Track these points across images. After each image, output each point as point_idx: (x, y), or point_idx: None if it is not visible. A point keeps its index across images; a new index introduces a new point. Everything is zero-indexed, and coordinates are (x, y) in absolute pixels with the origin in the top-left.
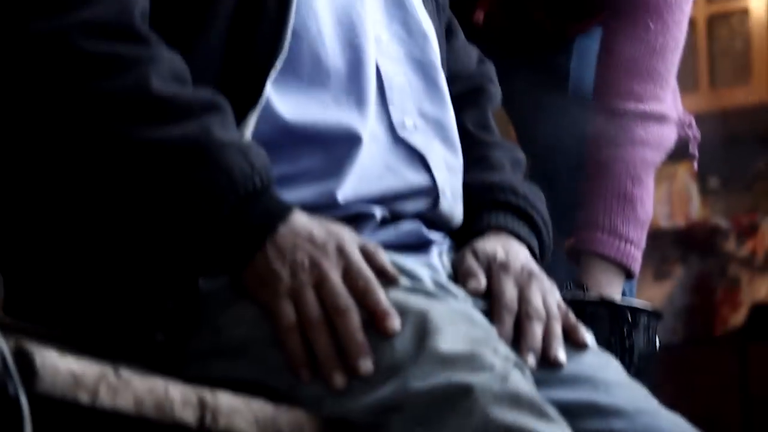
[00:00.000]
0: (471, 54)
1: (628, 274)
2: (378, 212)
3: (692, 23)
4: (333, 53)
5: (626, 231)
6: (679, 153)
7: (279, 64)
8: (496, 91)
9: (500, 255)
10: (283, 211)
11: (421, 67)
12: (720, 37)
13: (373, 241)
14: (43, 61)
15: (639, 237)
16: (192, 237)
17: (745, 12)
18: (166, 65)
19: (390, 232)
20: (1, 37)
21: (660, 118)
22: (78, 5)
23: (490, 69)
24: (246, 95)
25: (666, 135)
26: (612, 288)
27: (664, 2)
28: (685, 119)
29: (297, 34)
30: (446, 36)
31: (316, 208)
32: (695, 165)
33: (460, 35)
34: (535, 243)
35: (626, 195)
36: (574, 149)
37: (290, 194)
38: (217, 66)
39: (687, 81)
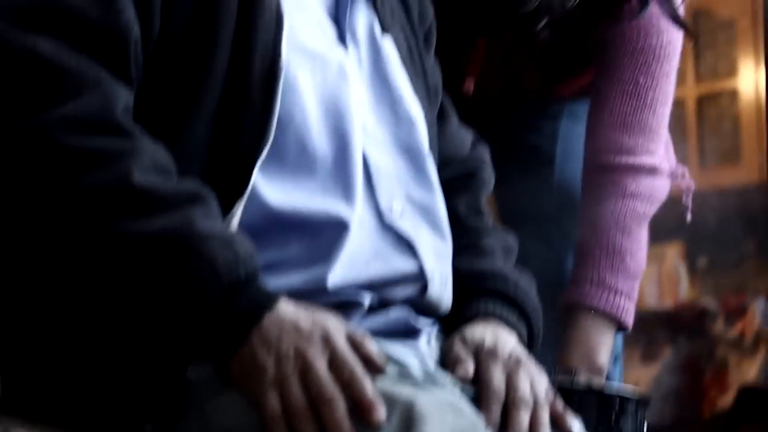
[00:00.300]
0: (465, 138)
1: (620, 327)
2: (366, 299)
3: (681, 103)
4: (319, 141)
5: (616, 283)
6: (668, 233)
7: (265, 153)
8: (489, 175)
9: (489, 342)
10: (268, 301)
11: (408, 152)
12: (709, 118)
13: (361, 328)
14: (25, 157)
15: (630, 288)
16: (178, 329)
17: (734, 93)
18: (148, 157)
19: (379, 320)
20: None
21: (651, 171)
22: (60, 101)
23: (485, 153)
24: (233, 185)
25: (658, 187)
26: (604, 342)
27: (653, 56)
28: (678, 170)
29: (282, 122)
30: (439, 119)
31: (304, 294)
32: (688, 216)
33: (454, 119)
34: (524, 330)
35: (615, 247)
36: (554, 232)
37: (278, 281)
38: (203, 156)
39: (677, 161)
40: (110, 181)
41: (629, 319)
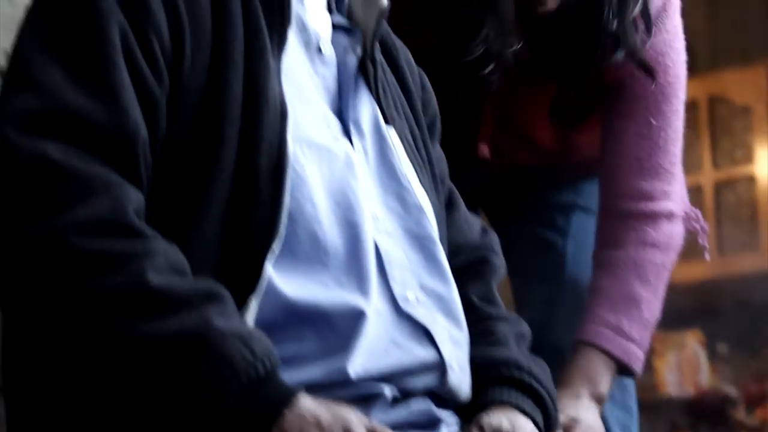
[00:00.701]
0: (473, 225)
1: (622, 371)
2: (388, 391)
3: (699, 190)
4: (330, 233)
5: (631, 331)
6: (687, 320)
7: (277, 247)
8: (500, 262)
9: (506, 427)
10: (288, 397)
11: (419, 241)
12: (727, 204)
13: (383, 421)
14: (37, 263)
15: (643, 337)
16: (198, 428)
17: (751, 179)
18: (162, 258)
19: (400, 412)
20: None
21: (669, 216)
22: (71, 205)
23: (494, 240)
24: (246, 280)
25: (675, 233)
26: (608, 380)
27: (662, 95)
28: (692, 213)
29: (292, 216)
30: (447, 208)
31: (324, 387)
32: (707, 255)
33: (462, 207)
34: (539, 417)
35: (634, 296)
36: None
37: (297, 374)
38: (215, 253)
39: (695, 248)
40: (125, 282)
41: (639, 367)
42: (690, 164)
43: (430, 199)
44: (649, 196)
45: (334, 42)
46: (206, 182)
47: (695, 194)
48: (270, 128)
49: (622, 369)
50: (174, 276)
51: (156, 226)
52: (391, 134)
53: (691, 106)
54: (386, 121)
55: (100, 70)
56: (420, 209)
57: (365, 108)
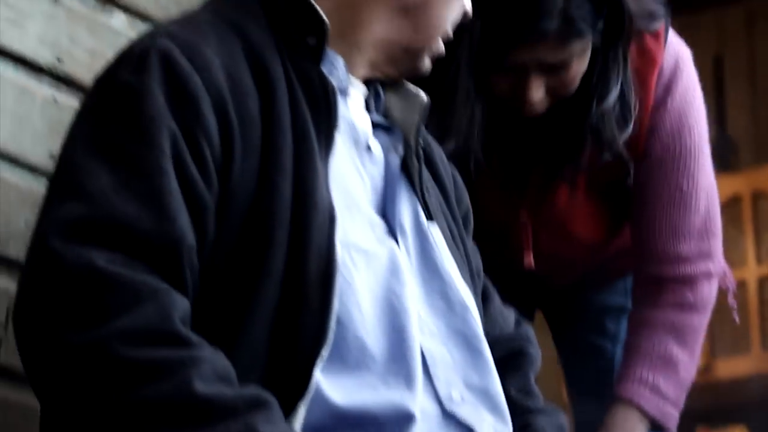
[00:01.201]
0: (508, 317)
1: (656, 429)
2: None
3: (743, 285)
4: (378, 337)
5: (667, 391)
6: (731, 416)
7: (325, 353)
8: (536, 353)
9: None
10: None
11: (464, 338)
12: None
13: None
14: (83, 374)
15: (679, 397)
16: None
17: None
18: (208, 365)
19: None
20: (38, 350)
21: (708, 276)
22: (116, 314)
23: (529, 331)
24: (294, 386)
25: (713, 293)
26: None
27: (690, 157)
28: (726, 270)
29: (340, 321)
30: (483, 301)
31: None
32: (736, 318)
33: (496, 299)
34: None
35: (672, 357)
36: None
37: None
38: (262, 359)
39: (740, 342)
40: (171, 391)
41: (674, 426)
42: (734, 259)
43: (471, 293)
44: (687, 259)
45: (376, 141)
46: (255, 287)
47: (740, 289)
48: (319, 233)
49: (656, 427)
50: (220, 384)
51: (203, 330)
52: (433, 231)
53: (734, 202)
54: (429, 218)
55: (147, 176)
56: (464, 306)
57: (406, 206)
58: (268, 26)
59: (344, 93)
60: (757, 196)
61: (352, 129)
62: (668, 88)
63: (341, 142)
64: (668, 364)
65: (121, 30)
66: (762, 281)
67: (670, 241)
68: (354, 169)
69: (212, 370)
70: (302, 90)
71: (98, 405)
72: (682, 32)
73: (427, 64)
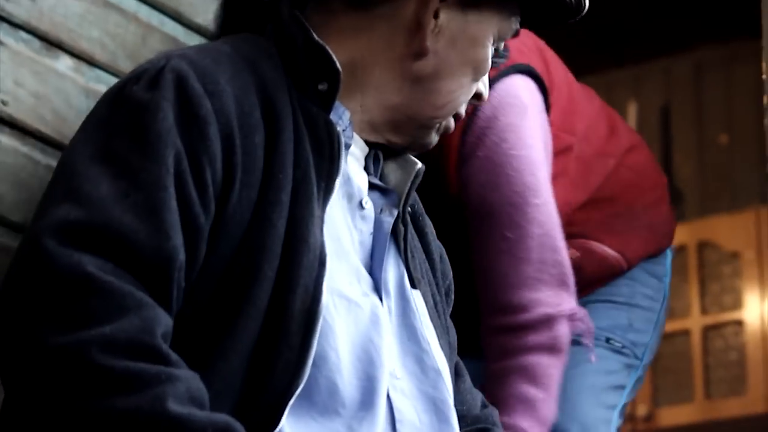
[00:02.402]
0: (476, 397)
1: None
2: None
3: (687, 334)
4: (349, 383)
5: (530, 428)
6: None
7: (298, 391)
8: None
9: None
10: None
11: (433, 403)
12: (714, 348)
13: None
14: (59, 374)
15: None
16: None
17: (739, 323)
18: (184, 385)
19: None
20: (14, 344)
21: (547, 321)
22: (100, 320)
23: (495, 413)
24: (265, 420)
25: (560, 334)
26: None
27: (512, 207)
28: (576, 312)
29: (316, 362)
30: (455, 377)
31: None
32: (593, 358)
33: (467, 379)
34: None
35: (528, 397)
36: None
37: None
38: (237, 388)
39: (682, 392)
40: (143, 405)
41: None
42: (679, 309)
43: (447, 364)
44: (521, 308)
45: (372, 200)
46: (237, 316)
47: (683, 339)
48: (308, 273)
49: None
50: (193, 406)
51: (181, 351)
52: (415, 297)
53: (680, 251)
54: (412, 284)
55: (148, 190)
56: (438, 372)
57: (392, 268)
58: (281, 68)
59: (346, 146)
60: (702, 246)
61: (348, 183)
62: (478, 141)
63: (337, 192)
64: (526, 404)
65: (67, 74)
66: (706, 331)
67: (501, 291)
68: (344, 221)
69: (187, 391)
70: (308, 133)
71: (66, 408)
72: (629, 81)
73: (433, 139)
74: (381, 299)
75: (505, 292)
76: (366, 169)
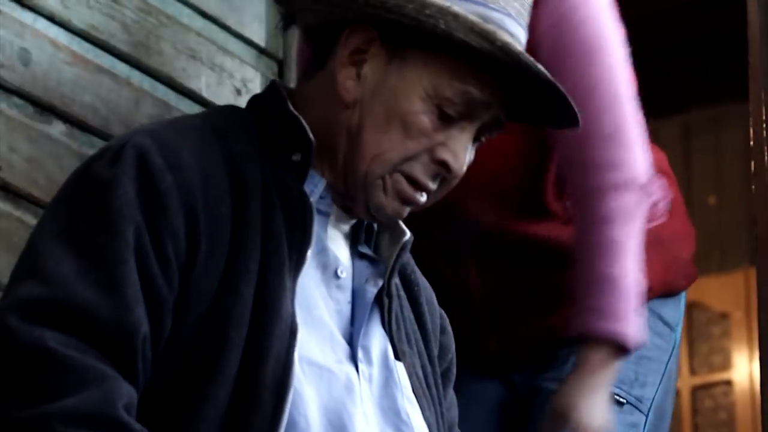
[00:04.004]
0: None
1: (619, 349)
2: None
3: (676, 394)
4: None
5: (612, 308)
6: None
7: None
8: None
9: None
10: None
11: None
12: (704, 408)
13: None
14: None
15: (623, 310)
16: None
17: (728, 383)
18: None
19: None
20: None
21: (616, 187)
22: (61, 394)
23: None
24: None
25: (631, 202)
26: (606, 369)
27: (591, 43)
28: (652, 182)
29: (285, 429)
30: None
31: None
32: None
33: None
34: None
35: (604, 276)
36: None
37: None
38: None
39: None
40: None
41: (631, 341)
42: None
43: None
44: (597, 167)
45: (357, 270)
46: (207, 384)
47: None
48: (279, 342)
49: (618, 347)
50: None
51: (152, 421)
52: (398, 369)
53: None
54: (396, 356)
55: (109, 265)
56: None
57: (377, 338)
58: (256, 140)
59: (323, 214)
60: (691, 307)
61: (323, 252)
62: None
63: (310, 262)
64: (601, 283)
65: (60, 139)
66: (695, 391)
67: (577, 144)
68: (318, 291)
69: None
70: (280, 204)
71: None
72: None
73: (385, 201)
74: (357, 367)
75: (580, 152)
76: (357, 238)
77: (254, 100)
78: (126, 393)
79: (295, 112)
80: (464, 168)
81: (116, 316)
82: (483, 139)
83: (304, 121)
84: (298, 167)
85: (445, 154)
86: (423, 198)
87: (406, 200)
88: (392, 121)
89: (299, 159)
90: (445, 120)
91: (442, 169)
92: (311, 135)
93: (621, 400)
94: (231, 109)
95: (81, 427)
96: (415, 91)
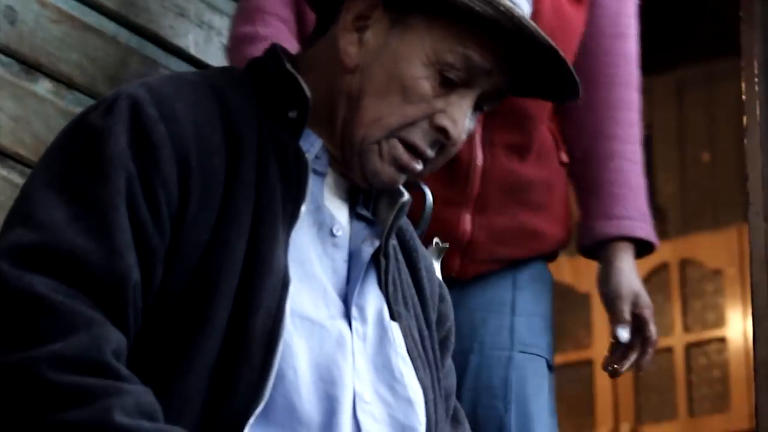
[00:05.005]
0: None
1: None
2: None
3: (670, 352)
4: (308, 402)
5: (623, 211)
6: None
7: (259, 410)
8: None
9: None
10: None
11: (403, 430)
12: (698, 366)
13: None
14: (10, 391)
15: (634, 208)
16: None
17: (722, 340)
18: (132, 398)
19: None
20: None
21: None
22: (49, 339)
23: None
24: None
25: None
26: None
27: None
28: None
29: (274, 381)
30: (452, 424)
31: None
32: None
33: (466, 426)
34: None
35: (601, 182)
36: None
37: None
38: (197, 407)
39: (665, 410)
40: (90, 418)
41: (646, 233)
42: (661, 327)
43: (426, 396)
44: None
45: (355, 231)
46: (196, 335)
47: (666, 356)
48: (270, 294)
49: (639, 246)
50: (141, 418)
51: (141, 370)
52: (393, 329)
53: (661, 269)
54: (392, 316)
55: (100, 211)
56: (410, 402)
57: (372, 298)
58: (253, 97)
59: (320, 174)
60: (684, 264)
61: (319, 211)
62: None
63: (305, 219)
64: (623, 188)
65: (46, 97)
66: (688, 348)
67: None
68: (313, 248)
69: (135, 404)
70: (276, 159)
71: (16, 423)
72: None
73: (381, 167)
74: (351, 324)
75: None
76: (356, 200)
77: (252, 61)
78: (115, 339)
79: (292, 70)
80: (463, 136)
81: (107, 262)
82: (484, 108)
83: (300, 78)
84: (294, 124)
85: (444, 121)
86: (419, 166)
87: (401, 167)
88: (392, 86)
89: (295, 116)
90: (446, 86)
91: (440, 136)
92: (308, 92)
93: (550, 364)
94: (229, 68)
95: (68, 371)
96: (417, 55)
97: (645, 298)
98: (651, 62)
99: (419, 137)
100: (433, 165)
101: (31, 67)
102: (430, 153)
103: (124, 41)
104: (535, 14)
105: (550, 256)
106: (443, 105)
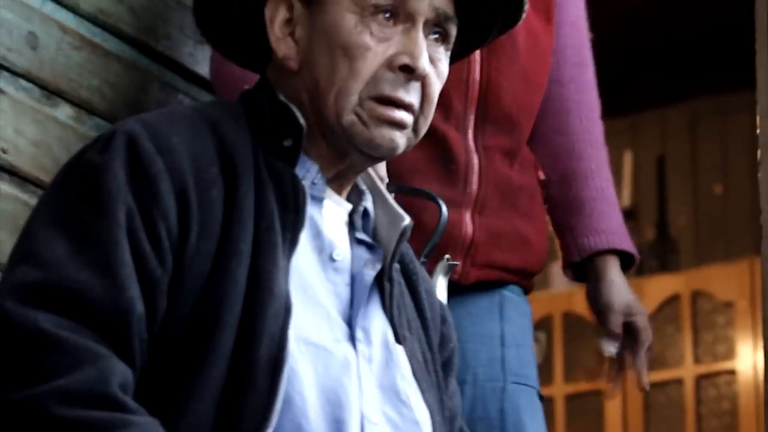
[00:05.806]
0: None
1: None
2: None
3: (680, 383)
4: (316, 426)
5: (608, 225)
6: None
7: None
8: None
9: None
10: None
11: None
12: (707, 398)
13: None
14: (16, 428)
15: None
16: None
17: (732, 372)
18: (140, 430)
19: None
20: None
21: None
22: (56, 374)
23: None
24: None
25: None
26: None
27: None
28: None
29: (281, 406)
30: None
31: None
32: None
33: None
34: None
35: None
36: None
37: None
38: None
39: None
40: None
41: (624, 245)
42: (672, 358)
43: (432, 419)
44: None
45: (356, 255)
46: (201, 363)
47: (676, 387)
48: (273, 321)
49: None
50: None
51: (148, 400)
52: (398, 351)
53: (673, 301)
54: (396, 339)
55: (101, 246)
56: (417, 423)
57: (377, 320)
58: (247, 127)
59: (317, 200)
60: (696, 296)
61: (318, 237)
62: None
63: (305, 245)
64: (602, 205)
65: (67, 122)
66: (699, 380)
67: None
68: (315, 273)
69: None
70: (273, 187)
71: None
72: (625, 131)
73: (372, 132)
74: (356, 347)
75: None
76: (354, 225)
77: (245, 93)
78: (121, 372)
79: (285, 100)
80: (428, 63)
81: (110, 296)
82: (443, 41)
83: (294, 108)
84: (289, 152)
85: (402, 58)
86: (407, 116)
87: (389, 123)
88: (336, 56)
89: (290, 144)
90: (386, 25)
91: (406, 74)
92: (302, 120)
93: (540, 394)
94: (222, 101)
95: (76, 405)
96: (342, 15)
97: (638, 306)
98: (665, 94)
99: (388, 87)
100: (425, 114)
101: (52, 92)
102: (408, 99)
103: (144, 68)
104: (511, 34)
105: (528, 287)
106: (392, 48)
